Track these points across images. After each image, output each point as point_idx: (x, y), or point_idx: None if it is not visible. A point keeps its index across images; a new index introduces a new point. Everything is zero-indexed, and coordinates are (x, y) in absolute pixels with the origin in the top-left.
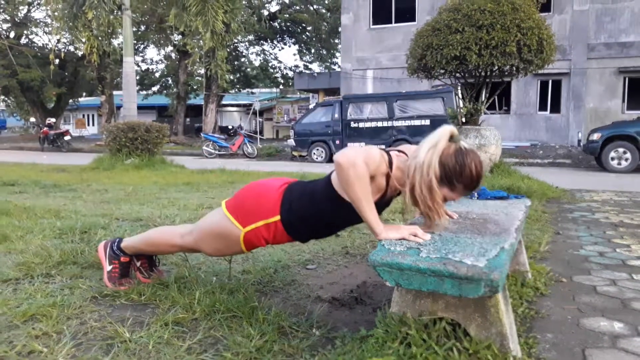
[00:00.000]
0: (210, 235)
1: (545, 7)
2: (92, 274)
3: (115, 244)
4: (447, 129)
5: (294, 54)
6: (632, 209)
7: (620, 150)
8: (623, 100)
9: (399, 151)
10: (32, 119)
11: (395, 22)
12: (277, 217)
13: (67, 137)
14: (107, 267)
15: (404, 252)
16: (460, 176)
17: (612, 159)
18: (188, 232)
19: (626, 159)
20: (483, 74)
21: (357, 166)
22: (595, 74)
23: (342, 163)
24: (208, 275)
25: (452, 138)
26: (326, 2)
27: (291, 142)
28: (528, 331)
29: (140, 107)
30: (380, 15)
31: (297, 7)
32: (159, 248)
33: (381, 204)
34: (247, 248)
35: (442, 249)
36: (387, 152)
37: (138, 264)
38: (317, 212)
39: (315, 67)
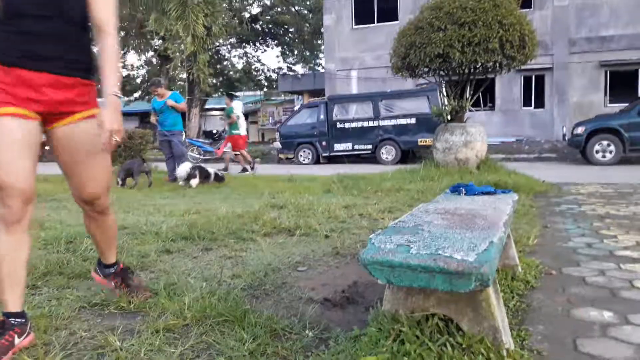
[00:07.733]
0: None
1: (526, 4)
2: (80, 283)
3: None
4: None
5: (277, 56)
6: (617, 200)
7: (605, 143)
8: (605, 94)
9: None
10: None
11: (378, 21)
12: None
13: (47, 147)
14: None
15: (394, 249)
16: None
17: (597, 151)
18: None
19: (610, 152)
20: (467, 71)
21: None
22: (578, 68)
23: None
24: (197, 281)
25: None
26: (308, 3)
27: (277, 144)
28: (520, 324)
29: (122, 114)
30: (363, 15)
31: (279, 9)
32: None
33: None
34: None
35: (432, 245)
36: None
37: (112, 284)
38: None
39: (299, 68)
